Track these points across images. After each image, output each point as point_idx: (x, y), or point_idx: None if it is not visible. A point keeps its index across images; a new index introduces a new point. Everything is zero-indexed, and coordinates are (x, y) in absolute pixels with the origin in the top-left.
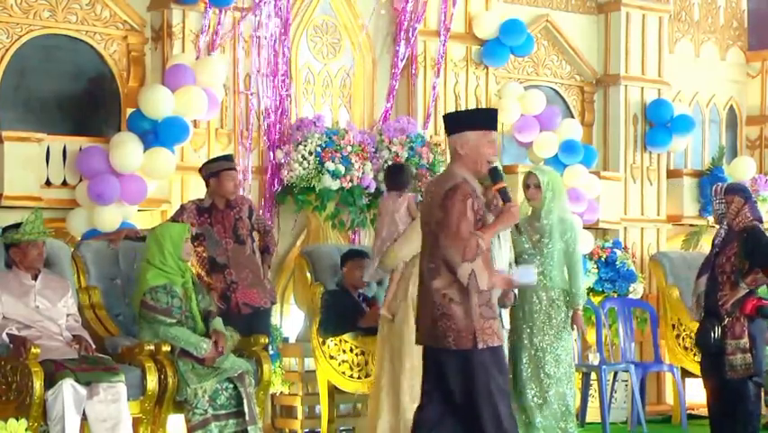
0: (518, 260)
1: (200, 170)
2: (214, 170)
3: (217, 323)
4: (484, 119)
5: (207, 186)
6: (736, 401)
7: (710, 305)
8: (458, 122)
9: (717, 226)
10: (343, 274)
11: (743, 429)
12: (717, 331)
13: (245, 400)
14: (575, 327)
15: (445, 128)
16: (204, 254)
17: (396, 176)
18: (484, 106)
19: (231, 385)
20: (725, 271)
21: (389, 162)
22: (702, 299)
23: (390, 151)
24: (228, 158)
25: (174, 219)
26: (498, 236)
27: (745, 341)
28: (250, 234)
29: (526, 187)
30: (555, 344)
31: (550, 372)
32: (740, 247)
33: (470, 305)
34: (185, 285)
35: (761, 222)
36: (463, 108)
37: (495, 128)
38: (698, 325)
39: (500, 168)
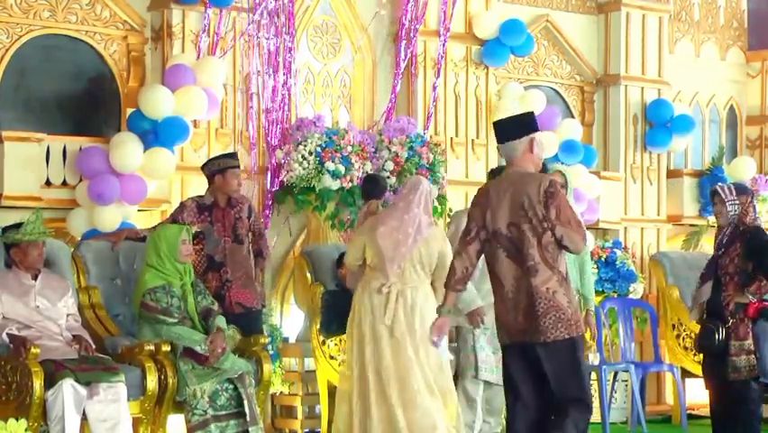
0: None
1: (203, 168)
2: (221, 166)
3: (220, 321)
4: (536, 121)
5: (210, 183)
6: (739, 403)
7: (714, 306)
8: (526, 125)
9: (719, 228)
10: (342, 275)
11: (744, 431)
12: (721, 332)
13: (246, 401)
14: (587, 328)
15: (511, 132)
16: (202, 252)
17: (368, 185)
18: (484, 107)
19: (231, 386)
20: (728, 273)
21: (390, 162)
22: (705, 304)
23: (390, 151)
24: (233, 156)
25: (174, 217)
26: None
27: (749, 342)
28: (248, 235)
29: None
30: None
31: None
32: (743, 248)
33: (571, 294)
34: (183, 286)
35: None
36: (463, 109)
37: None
38: (699, 326)
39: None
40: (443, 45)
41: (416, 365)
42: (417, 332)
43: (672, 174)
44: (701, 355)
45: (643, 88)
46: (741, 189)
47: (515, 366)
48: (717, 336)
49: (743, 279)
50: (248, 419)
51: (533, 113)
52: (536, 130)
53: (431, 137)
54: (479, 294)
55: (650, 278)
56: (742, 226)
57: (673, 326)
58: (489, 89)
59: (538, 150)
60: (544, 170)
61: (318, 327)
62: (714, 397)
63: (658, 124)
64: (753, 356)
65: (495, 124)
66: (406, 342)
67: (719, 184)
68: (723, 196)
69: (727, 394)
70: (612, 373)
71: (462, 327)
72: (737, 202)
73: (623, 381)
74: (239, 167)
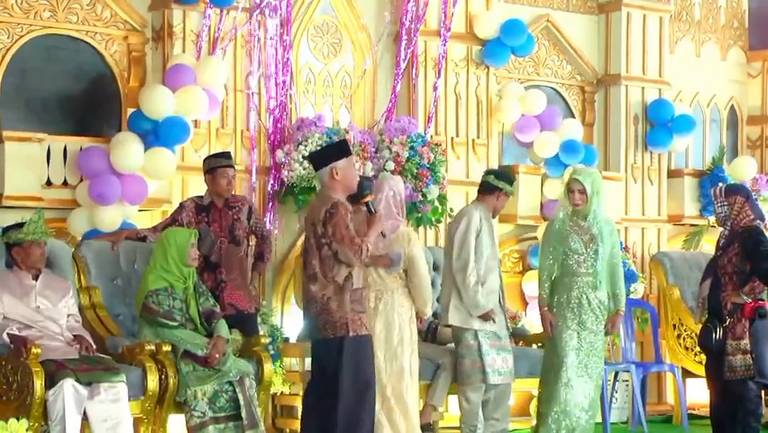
0: (567, 260)
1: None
2: (210, 166)
3: (221, 326)
4: (345, 149)
5: (205, 182)
6: (736, 402)
7: (713, 306)
8: (325, 156)
9: (720, 228)
10: None
11: (742, 431)
12: (719, 332)
13: (243, 405)
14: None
15: (317, 163)
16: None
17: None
18: (485, 107)
19: (231, 388)
20: (727, 273)
21: (390, 162)
22: (706, 301)
23: (391, 151)
24: (226, 155)
25: (174, 217)
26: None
27: (745, 342)
28: (246, 237)
29: (570, 191)
30: (600, 345)
31: (592, 373)
32: (741, 247)
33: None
34: (186, 290)
35: (763, 220)
36: (463, 109)
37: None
38: (701, 326)
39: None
40: (444, 45)
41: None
42: (379, 337)
43: (673, 174)
44: (703, 355)
45: (643, 88)
46: (732, 190)
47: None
48: (714, 336)
49: (741, 279)
50: (245, 422)
51: (337, 142)
52: (339, 158)
53: (431, 137)
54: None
55: (650, 278)
56: (738, 227)
57: (674, 326)
58: (489, 89)
59: (341, 176)
60: (361, 188)
61: None
62: (714, 396)
63: (659, 123)
64: (749, 356)
65: (307, 157)
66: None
67: (716, 185)
68: (713, 197)
69: (726, 394)
70: (613, 373)
71: (465, 333)
72: (726, 203)
73: (624, 381)
74: (231, 167)
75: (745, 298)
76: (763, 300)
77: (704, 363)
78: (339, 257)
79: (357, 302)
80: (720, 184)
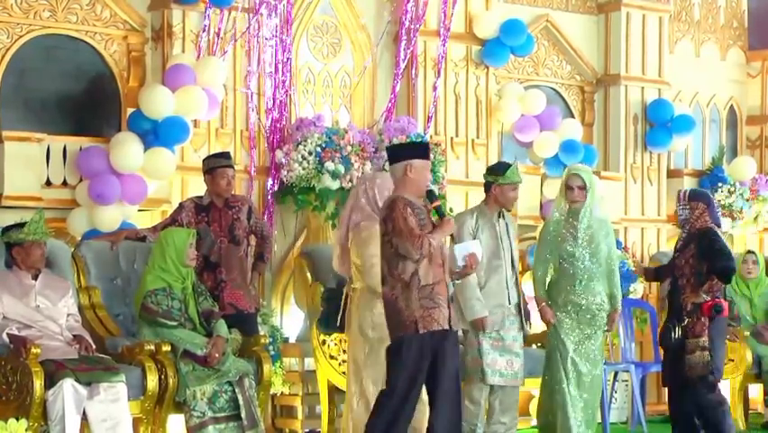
0: (563, 262)
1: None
2: (209, 166)
3: (220, 326)
4: (426, 151)
5: (205, 182)
6: (696, 399)
7: (673, 306)
8: (405, 150)
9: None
10: None
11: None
12: (678, 331)
13: (242, 405)
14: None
15: (390, 158)
16: (198, 252)
17: None
18: (484, 107)
19: (230, 388)
20: (684, 274)
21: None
22: (665, 301)
23: None
24: (225, 155)
25: (173, 217)
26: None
27: (704, 339)
28: (246, 237)
29: (569, 188)
30: (597, 347)
31: (587, 376)
32: (696, 248)
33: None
34: (184, 290)
35: (719, 226)
36: (463, 109)
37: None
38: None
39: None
40: (444, 45)
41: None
42: (352, 335)
43: (673, 174)
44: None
45: (643, 88)
46: (696, 196)
47: None
48: (673, 335)
49: (698, 279)
50: (244, 422)
51: (420, 142)
52: (417, 157)
53: (431, 137)
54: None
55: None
56: (695, 230)
57: None
58: (489, 89)
59: (413, 174)
60: (431, 194)
61: (318, 321)
62: (672, 397)
63: (658, 123)
64: (707, 353)
65: (387, 148)
66: (354, 345)
67: (683, 189)
68: (677, 200)
69: (685, 391)
70: (612, 373)
71: (468, 331)
72: (688, 207)
73: (623, 381)
74: (230, 167)
75: (704, 297)
76: (719, 299)
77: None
78: (400, 251)
79: (427, 298)
80: (687, 188)
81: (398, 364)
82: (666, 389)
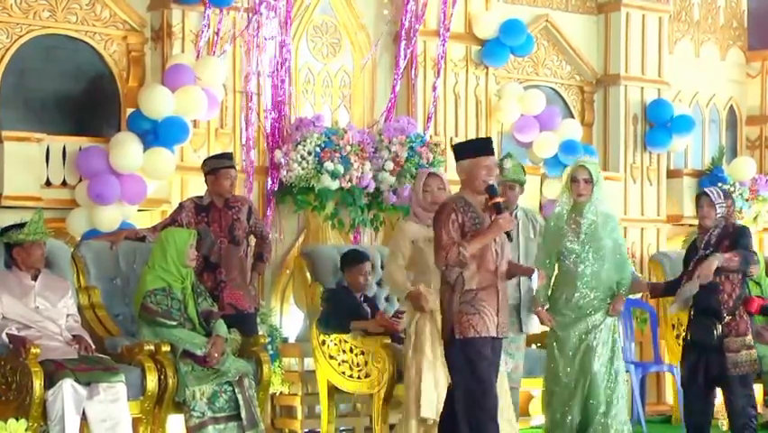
0: (564, 259)
1: (202, 166)
2: (212, 167)
3: (220, 326)
4: (490, 147)
5: (206, 183)
6: (734, 397)
7: (711, 304)
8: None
9: (704, 229)
10: (346, 278)
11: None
12: (719, 329)
13: (242, 405)
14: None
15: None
16: (198, 252)
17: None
18: (484, 107)
19: (230, 388)
20: (722, 270)
21: (389, 162)
22: (691, 299)
23: (390, 151)
24: (228, 156)
25: (173, 217)
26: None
27: (749, 338)
28: (246, 237)
29: (574, 181)
30: (601, 342)
31: (589, 371)
32: (733, 244)
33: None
34: (184, 290)
35: None
36: (462, 109)
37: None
38: (690, 323)
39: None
40: (443, 45)
41: None
42: None
43: (672, 174)
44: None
45: (643, 88)
46: (727, 194)
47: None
48: (715, 333)
49: (738, 276)
50: (244, 423)
51: (485, 138)
52: (481, 154)
53: (431, 137)
54: None
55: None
56: (730, 227)
57: (673, 326)
58: (488, 89)
59: (475, 171)
60: (489, 187)
61: (318, 321)
62: (695, 398)
63: (658, 124)
64: (753, 351)
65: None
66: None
67: (708, 188)
68: (712, 198)
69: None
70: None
71: None
72: (724, 205)
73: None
74: (233, 167)
75: (718, 255)
76: (762, 297)
77: (683, 361)
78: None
79: (467, 304)
80: (712, 187)
81: (448, 366)
82: (682, 389)
